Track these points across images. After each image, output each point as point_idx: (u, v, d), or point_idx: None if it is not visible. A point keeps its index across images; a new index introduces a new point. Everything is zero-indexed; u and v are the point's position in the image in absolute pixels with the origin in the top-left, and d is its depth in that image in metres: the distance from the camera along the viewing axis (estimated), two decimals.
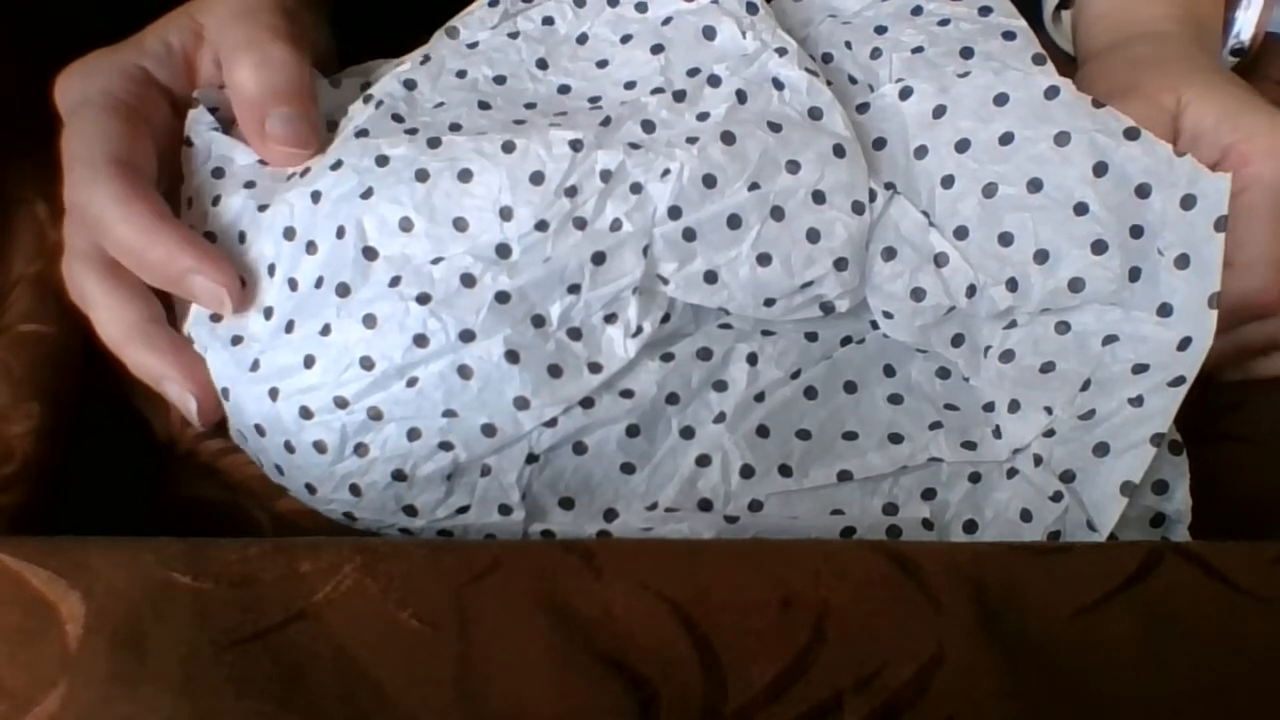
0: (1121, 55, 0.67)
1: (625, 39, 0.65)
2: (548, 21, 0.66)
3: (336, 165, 0.58)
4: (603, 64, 0.65)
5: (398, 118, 0.62)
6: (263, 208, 0.59)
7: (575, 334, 0.57)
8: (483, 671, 0.46)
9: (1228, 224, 0.56)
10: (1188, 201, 0.56)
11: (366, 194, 0.57)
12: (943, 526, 0.56)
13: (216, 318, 0.59)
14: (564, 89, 0.64)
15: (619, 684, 0.45)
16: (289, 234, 0.58)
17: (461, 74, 0.64)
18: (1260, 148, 0.60)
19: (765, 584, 0.48)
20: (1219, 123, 0.61)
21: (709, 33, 0.63)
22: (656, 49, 0.64)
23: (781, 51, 0.61)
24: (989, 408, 0.59)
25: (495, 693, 0.45)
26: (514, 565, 0.48)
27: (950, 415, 0.59)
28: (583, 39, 0.66)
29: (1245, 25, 0.75)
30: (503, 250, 0.57)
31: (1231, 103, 0.62)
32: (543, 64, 0.65)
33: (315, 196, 0.58)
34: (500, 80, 0.64)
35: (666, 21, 0.65)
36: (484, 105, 0.63)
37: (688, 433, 0.58)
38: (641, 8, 0.65)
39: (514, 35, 0.66)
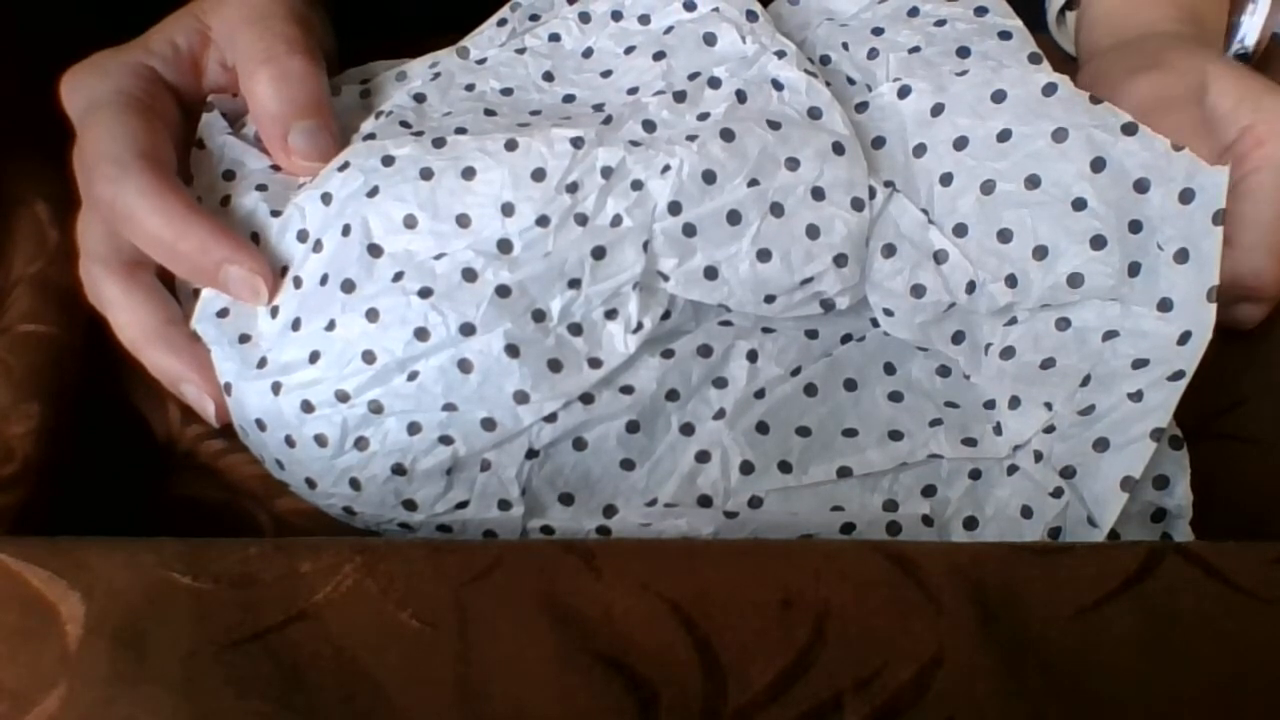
0: (1133, 48, 0.67)
1: (629, 50, 0.65)
2: (554, 38, 0.67)
3: (344, 167, 0.59)
4: (607, 74, 0.65)
5: (405, 124, 0.62)
6: (275, 213, 0.59)
7: (576, 329, 0.57)
8: (483, 672, 0.46)
9: (1234, 204, 0.57)
10: (1186, 195, 0.56)
11: (372, 193, 0.58)
12: (943, 523, 0.57)
13: (223, 314, 0.59)
14: (569, 98, 0.65)
15: (619, 684, 0.45)
16: (302, 236, 0.58)
17: (470, 87, 0.65)
18: (1278, 129, 0.60)
19: (765, 584, 0.48)
20: (1238, 105, 0.61)
21: (709, 39, 0.64)
22: (658, 56, 0.64)
23: (780, 54, 0.61)
24: (989, 405, 0.59)
25: (495, 693, 0.45)
26: (514, 565, 0.48)
27: (950, 412, 0.59)
28: (588, 53, 0.66)
29: (1250, 30, 0.74)
30: (504, 245, 0.57)
31: (1253, 85, 0.62)
32: (549, 76, 0.65)
33: (326, 199, 0.58)
34: (507, 92, 0.65)
35: (668, 30, 0.65)
36: (490, 113, 0.63)
37: (688, 429, 0.58)
38: (645, 20, 0.66)
39: (521, 51, 0.66)
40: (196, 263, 0.57)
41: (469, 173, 0.57)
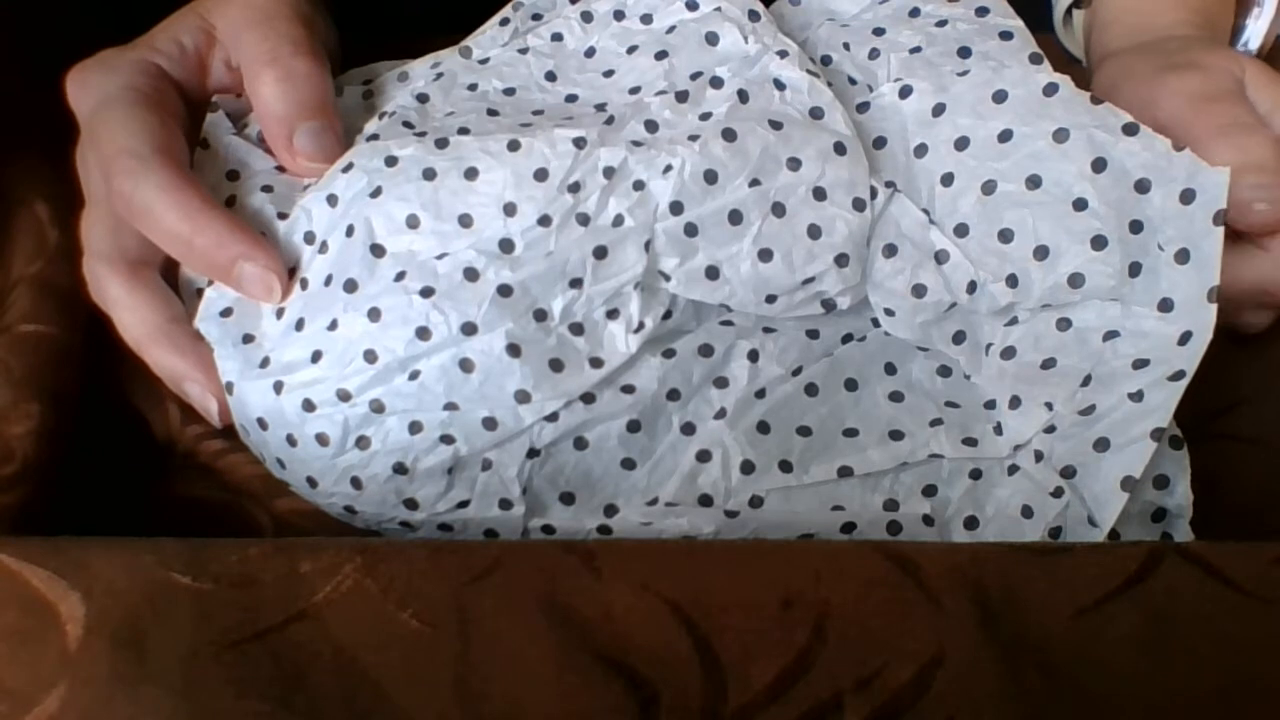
0: (1155, 49, 0.67)
1: (631, 49, 0.65)
2: (557, 38, 0.67)
3: (348, 168, 0.59)
4: (609, 74, 0.65)
5: (408, 124, 0.62)
6: (281, 215, 0.60)
7: (577, 329, 0.57)
8: (483, 672, 0.46)
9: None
10: (1187, 196, 0.56)
11: (375, 193, 0.58)
12: (943, 523, 0.57)
13: (226, 313, 0.59)
14: (571, 98, 0.65)
15: (619, 684, 0.45)
16: (308, 238, 0.59)
17: (472, 87, 0.65)
18: None
19: (765, 584, 0.48)
20: (1274, 109, 0.61)
21: (711, 38, 0.64)
22: (660, 55, 0.64)
23: (783, 54, 0.61)
24: (990, 405, 0.59)
25: (495, 693, 0.45)
26: (514, 566, 0.48)
27: (951, 412, 0.59)
28: (590, 53, 0.66)
29: (1255, 34, 0.74)
30: (506, 245, 0.57)
31: None
32: (551, 76, 0.65)
33: (331, 200, 0.59)
34: (510, 92, 0.65)
35: (671, 30, 0.65)
36: (492, 113, 0.63)
37: (688, 429, 0.58)
38: (647, 19, 0.66)
39: (524, 51, 0.66)
40: (212, 258, 0.57)
41: (471, 173, 0.58)
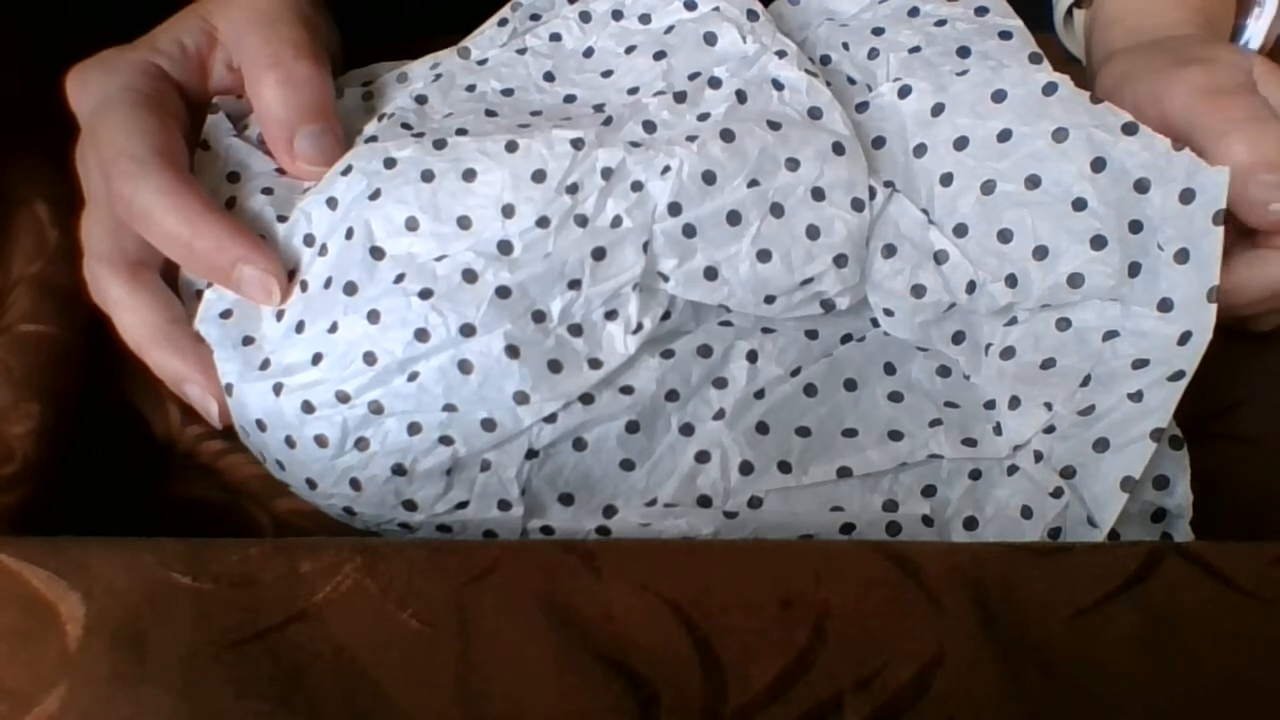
0: (1156, 47, 0.66)
1: (629, 49, 0.65)
2: (555, 38, 0.67)
3: (347, 170, 0.59)
4: (607, 74, 0.65)
5: (406, 126, 0.62)
6: (281, 218, 0.60)
7: (576, 330, 0.57)
8: (483, 672, 0.46)
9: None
10: (1186, 195, 0.56)
11: (374, 195, 0.58)
12: (943, 523, 0.57)
13: (226, 315, 0.59)
14: (569, 98, 0.65)
15: (619, 684, 0.45)
16: (308, 241, 0.59)
17: (471, 88, 0.65)
18: None
19: (765, 584, 0.48)
20: None
21: (710, 39, 0.64)
22: (659, 55, 0.64)
23: (781, 54, 0.61)
24: (989, 405, 0.59)
25: (495, 693, 0.45)
26: (514, 566, 0.48)
27: (950, 413, 0.58)
28: (589, 53, 0.66)
29: (1256, 34, 0.74)
30: (504, 246, 0.57)
31: None
32: (549, 77, 0.65)
33: (331, 203, 0.59)
34: (508, 93, 0.65)
35: (669, 30, 0.65)
36: (490, 113, 0.63)
37: (687, 429, 0.58)
38: (645, 19, 0.66)
39: (522, 51, 0.66)
40: (212, 261, 0.57)
41: (470, 174, 0.57)
